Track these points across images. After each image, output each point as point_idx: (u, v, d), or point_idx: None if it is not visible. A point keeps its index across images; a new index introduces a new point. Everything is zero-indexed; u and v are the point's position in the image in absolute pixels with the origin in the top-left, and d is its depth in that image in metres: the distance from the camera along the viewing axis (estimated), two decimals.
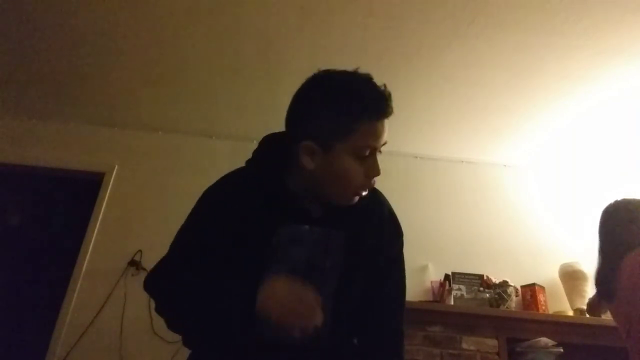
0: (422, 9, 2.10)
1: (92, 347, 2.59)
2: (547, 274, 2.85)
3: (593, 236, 1.75)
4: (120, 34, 2.42)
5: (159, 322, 2.82)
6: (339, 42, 2.35)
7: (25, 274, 3.63)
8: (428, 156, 3.29)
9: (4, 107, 3.18)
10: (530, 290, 2.72)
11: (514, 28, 2.16)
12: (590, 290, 2.62)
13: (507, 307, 2.60)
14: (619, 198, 1.73)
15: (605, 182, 3.12)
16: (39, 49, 2.56)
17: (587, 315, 2.59)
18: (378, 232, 1.08)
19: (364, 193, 0.99)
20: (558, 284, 2.81)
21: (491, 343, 2.45)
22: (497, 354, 2.42)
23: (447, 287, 2.68)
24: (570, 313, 2.66)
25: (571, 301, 2.70)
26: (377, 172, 0.96)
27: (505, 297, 2.62)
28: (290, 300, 0.85)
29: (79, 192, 3.26)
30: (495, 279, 2.73)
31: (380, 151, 0.97)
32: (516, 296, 2.71)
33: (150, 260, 2.78)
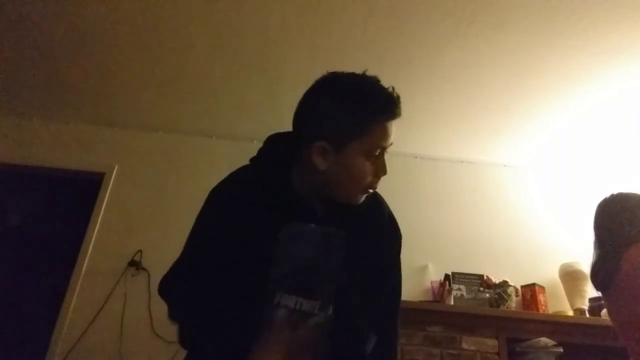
0: (422, 9, 2.10)
1: (92, 347, 2.59)
2: (547, 274, 2.85)
3: (591, 233, 1.76)
4: (120, 34, 2.42)
5: (159, 322, 2.84)
6: (339, 42, 2.35)
7: (25, 273, 3.63)
8: (428, 156, 3.29)
9: (4, 107, 3.18)
10: (530, 290, 2.72)
11: (514, 28, 2.16)
12: (590, 290, 2.62)
13: (507, 307, 2.60)
14: (615, 192, 1.73)
15: (605, 182, 3.11)
16: (39, 49, 2.56)
17: (587, 315, 2.60)
18: (378, 234, 1.10)
19: (370, 191, 1.01)
20: (558, 284, 2.81)
21: (491, 343, 2.45)
22: (497, 354, 2.42)
23: (447, 287, 2.68)
24: (570, 313, 2.66)
25: (571, 301, 2.70)
26: (384, 171, 0.99)
27: (505, 297, 2.62)
28: None
29: (79, 192, 3.26)
30: (495, 279, 2.73)
31: (387, 151, 1.00)
32: (516, 296, 2.71)
33: (150, 261, 2.78)
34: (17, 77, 2.84)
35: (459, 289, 2.69)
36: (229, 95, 2.87)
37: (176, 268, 1.04)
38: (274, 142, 1.10)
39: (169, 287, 1.04)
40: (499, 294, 2.64)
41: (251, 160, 1.11)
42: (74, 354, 2.57)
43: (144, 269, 2.79)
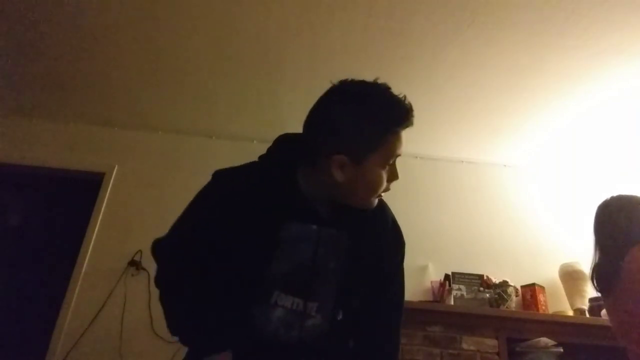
0: (422, 9, 2.10)
1: (92, 347, 2.59)
2: (547, 274, 2.85)
3: (591, 235, 1.76)
4: (121, 34, 2.42)
5: (159, 322, 2.83)
6: (339, 42, 2.35)
7: (25, 274, 3.63)
8: (428, 156, 3.29)
9: (4, 107, 3.18)
10: (530, 290, 2.72)
11: (514, 28, 2.16)
12: (590, 290, 2.62)
13: (507, 307, 2.60)
14: (614, 194, 1.73)
15: (605, 182, 3.12)
16: (39, 49, 2.56)
17: (587, 315, 2.60)
18: (380, 239, 1.10)
19: (383, 195, 1.04)
20: (558, 284, 2.81)
21: (491, 343, 2.45)
22: (497, 354, 2.42)
23: (447, 287, 2.68)
24: (570, 313, 2.66)
25: (571, 301, 2.70)
26: (397, 177, 1.02)
27: (505, 297, 2.62)
28: None
29: (79, 192, 3.26)
30: (495, 279, 2.73)
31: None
32: (516, 296, 2.71)
33: (150, 261, 2.76)
34: (17, 77, 2.84)
35: (459, 289, 2.69)
36: (229, 95, 2.86)
37: (171, 238, 1.07)
38: (284, 142, 1.10)
39: (162, 252, 1.08)
40: (499, 294, 2.64)
41: (260, 157, 1.11)
42: (74, 354, 2.57)
43: (144, 269, 2.79)
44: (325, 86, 1.03)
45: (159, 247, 1.07)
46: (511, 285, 2.68)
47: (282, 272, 0.98)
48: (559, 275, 2.81)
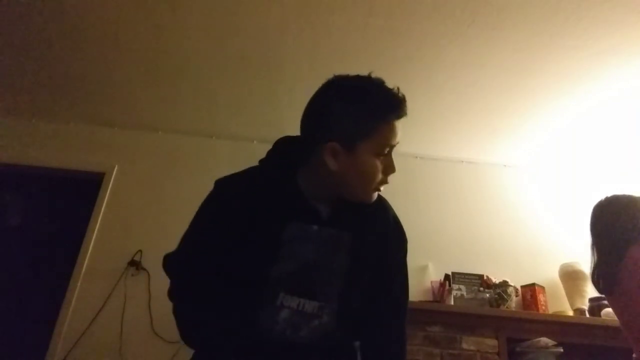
0: (422, 9, 2.10)
1: (92, 347, 2.59)
2: (547, 274, 2.85)
3: (588, 237, 1.76)
4: (120, 34, 2.42)
5: (159, 322, 2.84)
6: (339, 42, 2.35)
7: (25, 274, 3.63)
8: (428, 156, 3.29)
9: (4, 107, 3.18)
10: (530, 290, 2.72)
11: (514, 28, 2.16)
12: (590, 290, 2.62)
13: (507, 307, 2.60)
14: (609, 194, 1.73)
15: (605, 182, 3.11)
16: (39, 49, 2.56)
17: (587, 315, 2.60)
18: (383, 237, 1.10)
19: (382, 189, 1.04)
20: (558, 284, 2.81)
21: (491, 343, 2.45)
22: (497, 354, 2.42)
23: (447, 287, 2.68)
24: (570, 313, 2.66)
25: (571, 301, 2.70)
26: (393, 169, 1.02)
27: (505, 297, 2.62)
28: None
29: (79, 192, 3.26)
30: (495, 279, 2.73)
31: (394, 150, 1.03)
32: (516, 296, 2.71)
33: (150, 261, 2.78)
34: (17, 77, 2.84)
35: (459, 289, 2.69)
36: (229, 95, 2.86)
37: (179, 252, 1.07)
38: (284, 144, 1.11)
39: (173, 266, 1.07)
40: (499, 294, 2.64)
41: (260, 161, 1.12)
42: (74, 354, 2.57)
43: (144, 269, 2.79)
44: None
45: (170, 262, 1.07)
46: (511, 285, 2.68)
47: (286, 273, 0.98)
48: (559, 275, 2.81)
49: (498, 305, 2.60)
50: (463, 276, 2.74)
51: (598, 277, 1.64)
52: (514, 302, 2.66)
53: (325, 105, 1.01)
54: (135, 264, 2.80)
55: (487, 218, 3.11)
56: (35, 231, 3.82)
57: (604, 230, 1.66)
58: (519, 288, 2.76)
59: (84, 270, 2.81)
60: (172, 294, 1.05)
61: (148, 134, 3.28)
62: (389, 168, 1.02)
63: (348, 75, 1.03)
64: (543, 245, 3.00)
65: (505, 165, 3.31)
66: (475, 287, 2.71)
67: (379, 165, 0.99)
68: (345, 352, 1.03)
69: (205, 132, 3.27)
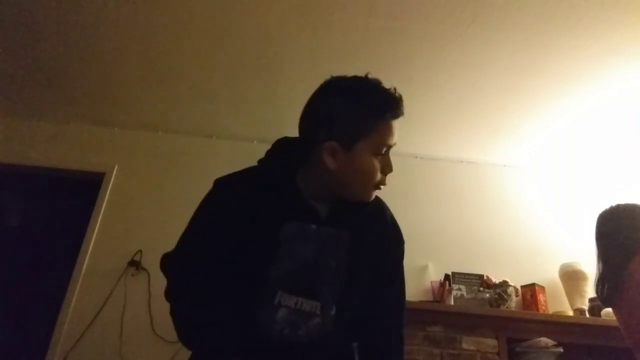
0: (422, 10, 2.10)
1: (92, 347, 2.59)
2: (547, 274, 2.85)
3: (592, 238, 1.75)
4: (120, 34, 2.42)
5: (159, 322, 2.83)
6: (339, 42, 2.35)
7: (25, 274, 3.63)
8: (428, 156, 3.29)
9: (4, 107, 3.18)
10: (530, 290, 2.72)
11: (514, 28, 2.16)
12: (590, 290, 2.62)
13: (507, 307, 2.60)
14: (613, 204, 1.72)
15: (605, 182, 3.12)
16: (39, 49, 2.56)
17: (587, 315, 2.60)
18: (381, 237, 1.11)
19: (380, 188, 1.05)
20: (558, 284, 2.81)
21: (491, 343, 2.45)
22: (497, 354, 2.42)
23: (447, 287, 2.68)
24: (570, 313, 2.66)
25: (571, 301, 2.70)
26: (391, 169, 1.03)
27: (505, 297, 2.62)
28: None
29: (79, 192, 3.26)
30: (495, 279, 2.73)
31: (391, 150, 1.03)
32: (516, 296, 2.71)
33: (150, 261, 2.78)
34: (17, 77, 2.84)
35: (459, 289, 2.69)
36: (229, 95, 2.86)
37: (177, 252, 1.07)
38: (282, 144, 1.12)
39: (171, 266, 1.07)
40: (499, 294, 2.64)
41: (259, 161, 1.12)
42: (74, 354, 2.57)
43: (144, 269, 2.79)
44: None
45: (167, 262, 1.07)
46: (511, 285, 2.68)
47: (284, 272, 0.98)
48: (559, 275, 2.81)
49: (498, 305, 2.60)
50: (463, 276, 2.75)
51: (602, 287, 1.63)
52: (514, 302, 2.66)
53: (322, 105, 1.02)
54: (135, 264, 2.80)
55: (487, 218, 3.11)
56: (35, 231, 3.81)
57: (608, 241, 1.65)
58: (519, 288, 2.76)
59: (84, 270, 2.81)
60: (169, 294, 1.05)
61: (148, 134, 3.28)
62: (387, 167, 1.02)
63: (345, 75, 1.04)
64: (543, 245, 3.00)
65: (505, 165, 3.31)
66: (475, 287, 2.71)
67: (376, 164, 1.00)
68: (343, 352, 1.03)
69: (205, 132, 3.27)
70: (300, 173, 1.06)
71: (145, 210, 3.02)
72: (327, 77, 1.06)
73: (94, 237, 2.91)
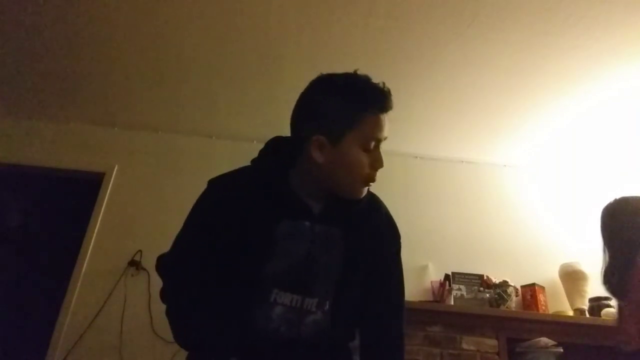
0: (422, 9, 2.10)
1: (92, 347, 2.59)
2: (547, 274, 2.85)
3: (593, 236, 1.74)
4: (120, 34, 2.42)
5: (159, 322, 2.83)
6: (339, 42, 2.35)
7: (25, 274, 3.63)
8: (428, 156, 3.29)
9: (4, 107, 3.18)
10: (530, 290, 2.72)
11: (514, 28, 2.16)
12: (590, 290, 2.62)
13: (507, 307, 2.60)
14: (618, 196, 1.72)
15: (605, 182, 3.12)
16: (38, 49, 2.56)
17: (587, 315, 2.60)
18: (376, 233, 1.10)
19: (372, 183, 1.04)
20: (558, 284, 2.81)
21: (491, 343, 2.45)
22: (497, 354, 2.42)
23: (447, 287, 2.68)
24: (570, 313, 2.66)
25: (571, 301, 2.70)
26: (381, 164, 1.01)
27: (505, 297, 2.62)
28: None
29: (79, 192, 3.26)
30: (495, 279, 2.73)
31: (381, 146, 1.02)
32: (516, 296, 2.71)
33: (150, 261, 2.78)
34: (17, 77, 2.84)
35: (459, 289, 2.69)
36: (229, 95, 2.86)
37: (172, 253, 1.07)
38: (275, 143, 1.13)
39: (165, 268, 1.08)
40: (499, 294, 2.64)
41: (252, 161, 1.13)
42: (74, 354, 2.57)
43: (144, 269, 2.79)
44: None
45: (163, 263, 1.07)
46: (511, 285, 2.68)
47: (279, 270, 0.99)
48: (559, 275, 2.81)
49: (498, 305, 2.60)
50: (463, 276, 2.75)
51: (610, 278, 1.62)
52: (514, 302, 2.66)
53: (310, 101, 1.04)
54: (135, 264, 2.80)
55: (487, 218, 3.11)
56: (35, 231, 3.82)
57: (614, 234, 1.65)
58: (519, 288, 2.76)
59: (84, 270, 2.81)
60: (165, 295, 1.05)
61: (148, 134, 3.28)
62: (377, 162, 1.01)
63: (334, 72, 1.05)
64: (543, 245, 3.00)
65: (505, 165, 3.31)
66: (475, 287, 2.71)
67: (364, 158, 0.99)
68: (340, 349, 1.03)
69: (205, 132, 3.27)
70: (293, 172, 1.06)
71: (145, 210, 3.02)
72: None
73: (94, 237, 2.91)
